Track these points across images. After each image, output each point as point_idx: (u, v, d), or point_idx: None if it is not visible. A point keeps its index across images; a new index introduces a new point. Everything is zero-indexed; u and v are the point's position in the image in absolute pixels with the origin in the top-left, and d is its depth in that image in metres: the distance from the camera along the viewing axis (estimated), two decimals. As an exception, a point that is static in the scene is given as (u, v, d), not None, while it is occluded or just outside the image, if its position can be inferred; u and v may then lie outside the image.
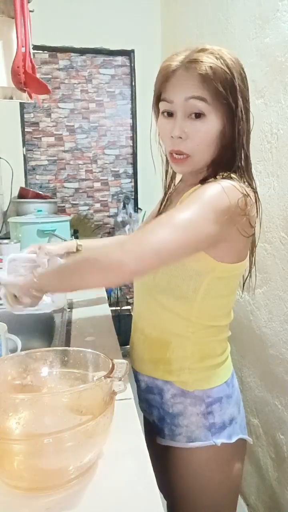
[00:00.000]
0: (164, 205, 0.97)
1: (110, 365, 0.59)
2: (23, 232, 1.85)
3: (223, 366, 0.90)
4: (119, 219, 2.92)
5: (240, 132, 0.79)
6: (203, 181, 0.81)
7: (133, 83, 2.92)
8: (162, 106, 0.81)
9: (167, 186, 0.97)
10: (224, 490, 0.91)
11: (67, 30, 2.72)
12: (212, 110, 0.77)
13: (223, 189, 0.74)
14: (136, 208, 3.05)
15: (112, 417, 0.58)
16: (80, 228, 2.81)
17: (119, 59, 2.92)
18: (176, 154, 0.81)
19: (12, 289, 0.89)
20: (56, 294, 1.04)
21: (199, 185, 0.81)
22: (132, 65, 2.90)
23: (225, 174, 0.80)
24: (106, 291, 1.61)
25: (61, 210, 2.94)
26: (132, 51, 2.87)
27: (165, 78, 0.80)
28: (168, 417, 0.90)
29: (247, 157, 0.82)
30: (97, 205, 3.04)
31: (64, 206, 2.98)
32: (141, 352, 0.94)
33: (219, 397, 0.88)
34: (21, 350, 0.94)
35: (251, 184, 0.82)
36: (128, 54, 2.89)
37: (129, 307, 3.03)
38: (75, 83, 2.89)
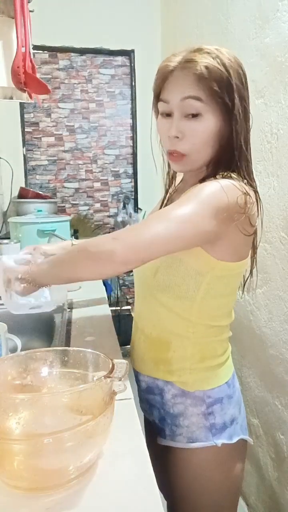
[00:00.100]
0: (165, 205, 0.97)
1: (110, 365, 0.59)
2: (23, 232, 1.85)
3: (224, 367, 0.90)
4: (119, 219, 2.92)
5: (238, 131, 0.79)
6: (203, 180, 0.81)
7: (133, 83, 2.92)
8: (160, 106, 0.82)
9: (168, 186, 0.97)
10: (225, 491, 0.91)
11: (67, 30, 2.72)
12: (208, 109, 0.77)
13: (222, 187, 0.74)
14: (136, 208, 3.05)
15: (112, 417, 0.58)
16: (80, 228, 2.81)
17: (119, 59, 2.92)
18: (173, 153, 0.82)
19: (10, 274, 0.88)
20: (52, 288, 1.03)
21: (199, 183, 0.81)
22: (132, 65, 2.90)
23: (225, 174, 0.80)
24: (106, 291, 1.60)
25: (61, 210, 2.94)
26: (132, 51, 2.87)
27: (162, 78, 0.81)
28: (168, 417, 0.89)
29: (246, 157, 0.82)
30: (97, 205, 3.04)
31: (64, 206, 2.98)
32: (142, 352, 0.94)
33: (220, 397, 0.88)
34: (21, 350, 0.94)
35: (251, 184, 0.82)
36: (128, 54, 2.89)
37: (129, 307, 3.03)
38: (75, 83, 2.89)
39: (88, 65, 2.89)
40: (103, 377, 0.57)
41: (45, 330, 1.20)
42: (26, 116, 2.83)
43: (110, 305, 1.41)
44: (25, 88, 1.34)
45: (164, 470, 0.89)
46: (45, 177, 2.93)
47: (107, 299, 1.43)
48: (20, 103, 2.68)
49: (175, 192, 0.96)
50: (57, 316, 1.20)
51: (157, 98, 0.83)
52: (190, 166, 0.83)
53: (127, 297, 3.09)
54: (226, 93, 0.76)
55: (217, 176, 0.79)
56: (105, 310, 1.29)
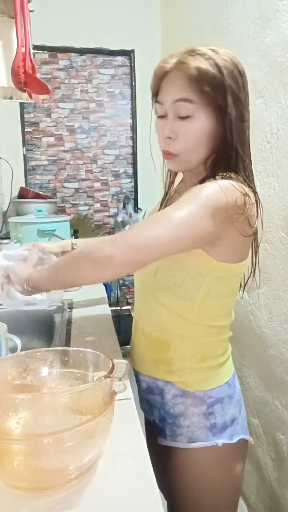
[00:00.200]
0: (165, 206, 0.97)
1: (110, 365, 0.59)
2: (23, 232, 1.85)
3: (224, 367, 0.90)
4: (119, 219, 2.92)
5: (231, 132, 0.79)
6: (203, 181, 0.81)
7: (133, 83, 2.92)
8: (156, 107, 0.84)
9: (168, 187, 0.97)
10: (225, 491, 0.91)
11: (67, 30, 2.72)
12: (201, 110, 0.78)
13: (221, 188, 0.74)
14: (136, 208, 3.05)
15: (112, 417, 0.58)
16: (80, 228, 2.81)
17: (119, 59, 2.92)
18: (166, 152, 0.84)
19: (11, 274, 0.90)
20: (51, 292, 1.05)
21: (198, 184, 0.81)
22: (132, 65, 2.90)
23: (224, 174, 0.80)
24: (106, 291, 1.61)
25: (61, 210, 2.94)
26: (132, 51, 2.87)
27: (158, 80, 0.83)
28: (169, 417, 0.89)
29: (242, 157, 0.82)
30: (97, 205, 3.04)
31: (64, 206, 2.98)
32: (142, 352, 0.94)
33: (220, 397, 0.88)
34: (21, 350, 0.94)
35: (250, 185, 0.82)
36: (128, 54, 2.89)
37: (129, 307, 3.03)
38: (75, 83, 2.89)
39: (88, 65, 2.89)
40: (103, 377, 0.57)
41: (45, 330, 1.20)
42: (26, 116, 2.83)
43: (110, 305, 1.41)
44: (25, 88, 1.34)
45: (164, 470, 0.89)
46: (45, 177, 2.93)
47: (107, 299, 1.43)
48: (20, 103, 2.69)
49: (174, 192, 0.96)
50: (57, 316, 1.20)
51: (155, 99, 0.85)
52: (184, 165, 0.85)
53: (127, 297, 3.09)
54: (219, 94, 0.77)
55: (217, 177, 0.79)
56: (105, 310, 1.29)
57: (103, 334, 1.09)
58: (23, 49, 1.30)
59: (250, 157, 0.85)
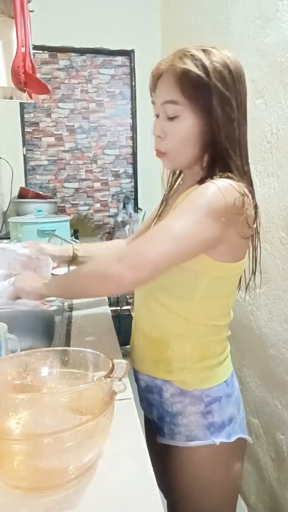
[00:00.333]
0: (164, 206, 0.97)
1: (110, 365, 0.59)
2: (23, 232, 1.85)
3: (222, 366, 0.91)
4: (119, 219, 2.91)
5: (220, 132, 0.79)
6: (201, 181, 0.81)
7: (133, 83, 2.92)
8: (152, 107, 0.87)
9: (166, 187, 0.98)
10: (224, 490, 0.91)
11: (67, 30, 2.72)
12: (187, 111, 0.80)
13: (219, 189, 0.74)
14: (136, 208, 3.05)
15: (112, 417, 0.58)
16: (80, 228, 2.81)
17: (119, 59, 2.92)
18: (156, 151, 0.87)
19: (25, 288, 0.96)
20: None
21: (197, 185, 0.81)
22: (132, 65, 2.90)
23: (222, 174, 0.80)
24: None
25: (61, 210, 2.94)
26: (132, 51, 2.87)
27: (154, 81, 0.85)
28: (167, 416, 0.90)
29: (233, 158, 0.81)
30: (97, 205, 3.04)
31: (64, 206, 2.98)
32: (141, 351, 0.94)
33: (218, 396, 0.88)
34: (21, 350, 0.94)
35: (247, 186, 0.81)
36: (128, 54, 2.89)
37: (129, 307, 3.03)
38: (75, 83, 2.89)
39: (88, 65, 2.89)
40: (103, 377, 0.57)
41: (45, 330, 1.20)
42: (26, 116, 2.83)
43: (110, 305, 1.41)
44: (25, 88, 1.34)
45: (163, 470, 0.89)
46: (45, 177, 2.93)
47: (107, 299, 1.43)
48: (20, 103, 2.69)
49: (174, 193, 0.97)
50: (57, 316, 1.20)
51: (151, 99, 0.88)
52: (173, 163, 0.88)
53: (127, 297, 3.09)
54: (203, 95, 0.78)
55: (215, 177, 0.79)
56: (105, 310, 1.29)
57: (103, 334, 1.09)
58: (23, 49, 1.30)
59: (247, 158, 0.85)
